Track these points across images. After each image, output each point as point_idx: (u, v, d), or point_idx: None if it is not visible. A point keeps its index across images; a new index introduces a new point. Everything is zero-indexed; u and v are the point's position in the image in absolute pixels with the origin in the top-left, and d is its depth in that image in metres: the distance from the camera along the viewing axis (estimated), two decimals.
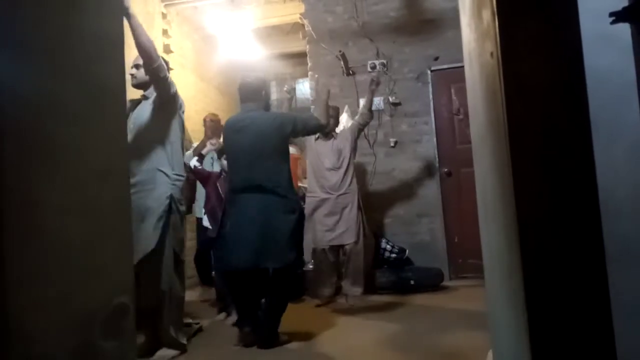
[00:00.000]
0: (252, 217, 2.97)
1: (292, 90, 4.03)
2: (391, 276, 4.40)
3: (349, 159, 4.15)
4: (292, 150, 4.52)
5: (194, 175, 4.11)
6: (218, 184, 3.90)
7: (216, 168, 4.19)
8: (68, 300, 1.13)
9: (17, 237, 1.03)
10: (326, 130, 4.05)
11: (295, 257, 3.05)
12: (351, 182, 4.14)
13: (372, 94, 4.25)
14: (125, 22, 2.51)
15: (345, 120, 4.53)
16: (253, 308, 3.10)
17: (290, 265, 3.02)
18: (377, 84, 4.27)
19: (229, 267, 3.06)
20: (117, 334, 1.30)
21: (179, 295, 2.93)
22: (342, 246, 4.11)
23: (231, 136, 3.17)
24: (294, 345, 3.03)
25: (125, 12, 2.56)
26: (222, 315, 3.85)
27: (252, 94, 3.20)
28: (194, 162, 3.96)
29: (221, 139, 4.36)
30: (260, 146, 3.03)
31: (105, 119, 1.35)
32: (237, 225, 3.02)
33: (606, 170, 1.18)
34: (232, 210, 3.11)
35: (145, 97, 2.95)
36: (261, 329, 3.01)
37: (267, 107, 3.30)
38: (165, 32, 5.14)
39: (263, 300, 3.15)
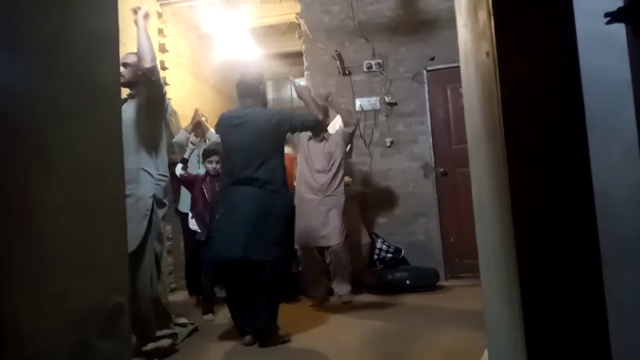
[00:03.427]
0: (244, 210, 3.00)
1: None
2: (387, 276, 4.40)
3: (339, 162, 4.16)
4: (288, 150, 4.54)
5: (180, 182, 4.13)
6: (204, 187, 3.91)
7: (202, 170, 4.20)
8: (64, 300, 1.13)
9: (13, 237, 1.02)
10: (322, 126, 4.08)
11: (283, 252, 3.07)
12: (339, 185, 4.16)
13: (332, 105, 4.30)
14: (123, 21, 2.59)
15: (341, 121, 4.52)
16: (247, 305, 3.10)
17: (277, 259, 3.02)
18: (326, 98, 4.30)
19: (219, 257, 3.08)
20: (113, 333, 1.29)
21: (160, 294, 2.93)
22: (327, 247, 4.12)
23: (227, 130, 3.19)
24: (289, 344, 3.03)
25: (141, 15, 2.79)
26: (209, 315, 3.86)
27: (250, 91, 3.22)
28: (179, 170, 3.99)
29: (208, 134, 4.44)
30: (257, 142, 3.05)
31: (101, 119, 1.35)
32: (229, 217, 3.05)
33: (602, 170, 1.18)
34: (224, 202, 3.14)
35: (131, 96, 2.95)
36: (259, 327, 3.02)
37: (264, 103, 3.32)
38: (160, 31, 5.12)
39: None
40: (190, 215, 4.11)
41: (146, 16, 2.83)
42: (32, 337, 1.05)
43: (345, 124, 4.24)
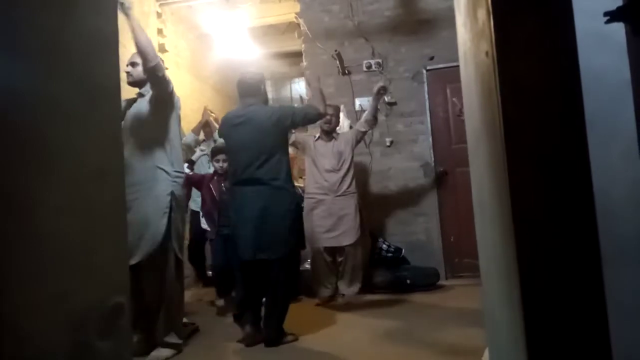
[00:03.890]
0: (252, 210, 3.00)
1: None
2: (387, 275, 4.40)
3: (350, 161, 4.14)
4: (291, 150, 4.54)
5: (187, 182, 4.14)
6: (211, 186, 3.91)
7: (212, 169, 4.22)
8: (64, 300, 1.13)
9: (13, 237, 1.02)
10: (327, 129, 4.07)
11: (290, 250, 3.07)
12: (350, 184, 4.13)
13: (378, 101, 4.24)
14: (123, 21, 2.55)
15: (341, 120, 4.52)
16: (255, 303, 3.11)
17: (285, 258, 3.03)
18: (385, 90, 4.26)
19: (237, 261, 3.12)
20: (112, 333, 1.29)
21: (179, 295, 2.93)
22: (339, 247, 4.11)
23: (230, 130, 3.20)
24: (292, 344, 3.03)
25: (126, 12, 2.62)
26: (222, 301, 3.86)
27: (251, 90, 3.21)
28: (184, 170, 3.99)
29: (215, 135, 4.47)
30: (259, 140, 3.05)
31: (101, 119, 1.35)
32: (238, 218, 3.07)
33: (602, 170, 1.18)
34: (233, 204, 3.16)
35: (141, 95, 2.95)
36: (266, 329, 3.03)
37: (265, 101, 3.32)
38: (160, 31, 5.12)
39: (264, 299, 3.17)
40: (201, 214, 4.14)
41: (128, 9, 2.66)
42: (32, 337, 1.05)
43: (367, 122, 4.21)
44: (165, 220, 2.78)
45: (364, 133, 4.28)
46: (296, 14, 5.36)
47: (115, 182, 1.39)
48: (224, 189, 3.84)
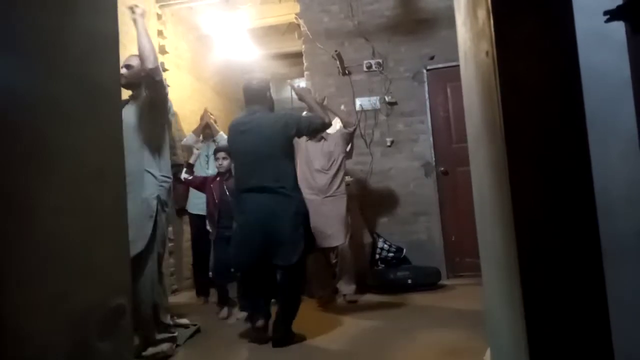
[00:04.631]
0: (258, 217, 3.01)
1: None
2: (388, 275, 4.40)
3: (340, 162, 4.13)
4: None
5: (188, 185, 4.16)
6: (212, 187, 3.91)
7: (212, 170, 4.21)
8: (64, 301, 1.13)
9: (13, 237, 1.02)
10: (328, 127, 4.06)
11: (301, 256, 3.06)
12: (339, 185, 4.12)
13: (329, 108, 4.16)
14: (123, 21, 2.58)
15: (340, 122, 4.51)
16: (264, 302, 3.13)
17: (296, 264, 3.03)
18: (321, 102, 4.05)
19: (239, 267, 3.13)
20: (113, 334, 1.29)
21: (161, 296, 2.93)
22: (331, 248, 4.10)
23: (236, 137, 3.20)
24: (294, 345, 3.03)
25: (136, 18, 2.73)
26: (225, 312, 3.85)
27: (256, 96, 3.22)
28: (183, 175, 4.00)
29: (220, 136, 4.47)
30: (265, 147, 3.05)
31: (101, 119, 1.35)
32: (244, 225, 3.07)
33: (602, 168, 1.18)
34: (239, 210, 3.15)
35: (133, 98, 2.95)
36: (275, 331, 3.03)
37: (271, 108, 3.32)
38: (160, 32, 5.12)
39: (273, 300, 3.19)
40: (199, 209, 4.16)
41: (143, 14, 2.79)
42: (32, 337, 1.05)
43: (345, 124, 4.21)
44: (151, 224, 2.79)
45: (352, 133, 4.24)
46: (296, 14, 5.36)
47: (115, 182, 1.40)
48: (225, 188, 3.83)
